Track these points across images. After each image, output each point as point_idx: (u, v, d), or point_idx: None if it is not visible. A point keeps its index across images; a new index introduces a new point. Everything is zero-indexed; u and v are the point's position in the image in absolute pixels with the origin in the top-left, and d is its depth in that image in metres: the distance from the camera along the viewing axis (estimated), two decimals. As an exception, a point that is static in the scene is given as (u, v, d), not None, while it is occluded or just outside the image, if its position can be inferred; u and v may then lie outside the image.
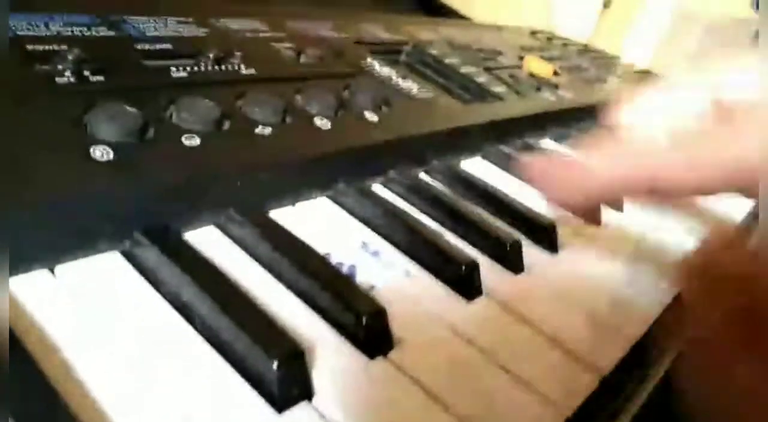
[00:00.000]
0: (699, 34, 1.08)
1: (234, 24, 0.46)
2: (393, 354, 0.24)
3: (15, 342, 0.19)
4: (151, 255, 0.25)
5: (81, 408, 0.18)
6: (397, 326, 0.26)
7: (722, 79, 0.26)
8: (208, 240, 0.27)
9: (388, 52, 0.54)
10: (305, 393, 0.21)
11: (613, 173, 0.24)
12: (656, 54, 1.07)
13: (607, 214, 0.43)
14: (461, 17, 0.93)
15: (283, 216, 0.31)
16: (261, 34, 0.46)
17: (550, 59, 0.73)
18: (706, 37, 1.08)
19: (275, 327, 0.22)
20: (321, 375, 0.22)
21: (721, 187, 0.23)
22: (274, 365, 0.20)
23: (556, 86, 0.63)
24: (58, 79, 0.30)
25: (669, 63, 1.01)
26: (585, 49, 0.90)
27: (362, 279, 0.29)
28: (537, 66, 0.67)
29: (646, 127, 0.26)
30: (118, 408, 0.19)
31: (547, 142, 0.55)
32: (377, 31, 0.59)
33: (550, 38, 0.89)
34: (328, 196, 0.34)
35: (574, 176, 0.24)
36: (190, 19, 0.43)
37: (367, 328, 0.24)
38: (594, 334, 0.30)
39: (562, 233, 0.37)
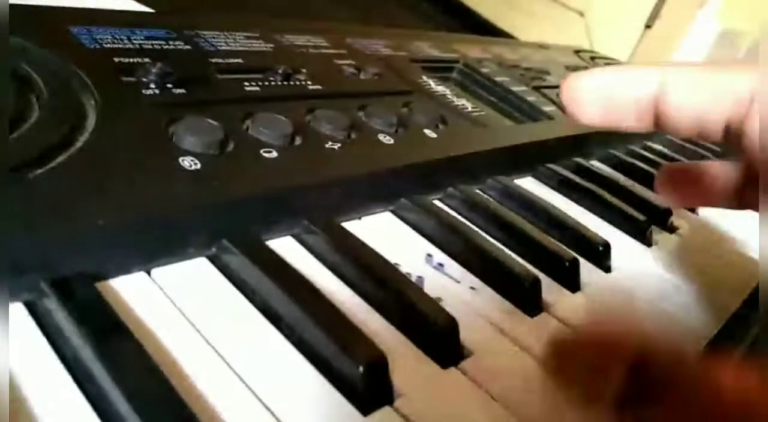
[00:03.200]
0: (743, 54, 1.08)
1: (297, 40, 0.47)
2: (464, 365, 0.25)
3: (122, 331, 0.21)
4: (236, 260, 0.26)
5: (183, 392, 0.20)
6: (464, 338, 0.27)
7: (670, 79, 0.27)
8: (285, 248, 0.29)
9: (441, 70, 0.56)
10: (387, 397, 0.22)
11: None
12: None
13: (661, 236, 0.44)
14: (505, 35, 0.94)
15: (351, 228, 0.32)
16: (322, 50, 0.48)
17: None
18: (749, 57, 1.08)
19: (359, 333, 0.23)
20: (398, 381, 0.23)
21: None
22: (361, 369, 0.22)
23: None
24: (144, 91, 0.32)
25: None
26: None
27: (429, 290, 0.30)
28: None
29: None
30: (215, 399, 0.20)
31: (595, 163, 0.55)
32: (429, 49, 0.60)
33: (594, 58, 0.90)
34: (391, 211, 0.35)
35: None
36: (257, 35, 0.45)
37: (440, 337, 0.25)
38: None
39: (615, 252, 0.38)
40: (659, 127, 0.27)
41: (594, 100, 0.28)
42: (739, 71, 0.25)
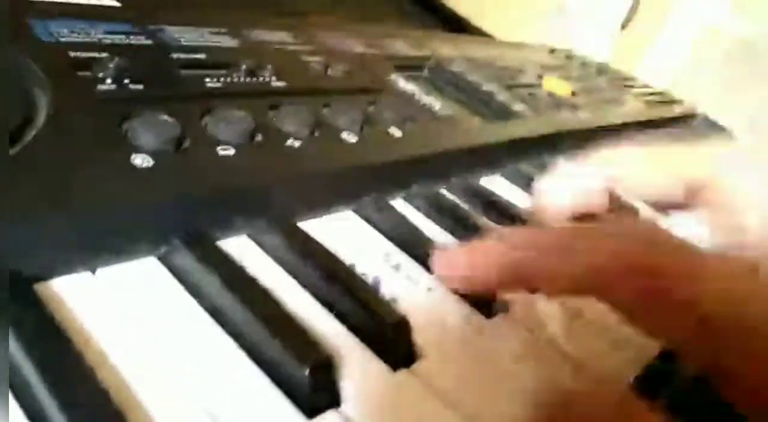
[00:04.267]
0: (720, 56, 1.09)
1: (265, 36, 0.47)
2: (415, 367, 0.25)
3: (60, 335, 0.20)
4: (186, 261, 0.26)
5: (118, 398, 0.19)
6: (419, 339, 0.27)
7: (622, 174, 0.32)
8: (240, 248, 0.28)
9: (412, 68, 0.56)
10: (333, 400, 0.22)
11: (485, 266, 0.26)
12: (676, 74, 1.08)
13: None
14: (482, 34, 0.94)
15: (311, 227, 0.32)
16: (291, 47, 0.47)
17: (568, 78, 0.74)
18: (727, 59, 1.09)
19: (306, 335, 0.23)
20: (347, 384, 0.23)
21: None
22: (306, 372, 0.21)
23: (574, 106, 0.64)
24: (99, 86, 0.31)
25: (691, 83, 1.01)
26: (603, 69, 0.91)
27: (385, 291, 0.29)
28: (556, 85, 0.68)
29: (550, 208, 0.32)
30: (153, 404, 0.20)
31: (563, 162, 0.56)
32: (401, 46, 0.60)
33: (569, 57, 0.90)
34: (353, 210, 0.35)
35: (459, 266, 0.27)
36: (223, 30, 0.45)
37: (392, 338, 0.25)
38: (612, 354, 0.31)
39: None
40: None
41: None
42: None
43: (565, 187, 0.32)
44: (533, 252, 0.24)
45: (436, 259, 0.28)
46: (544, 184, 0.33)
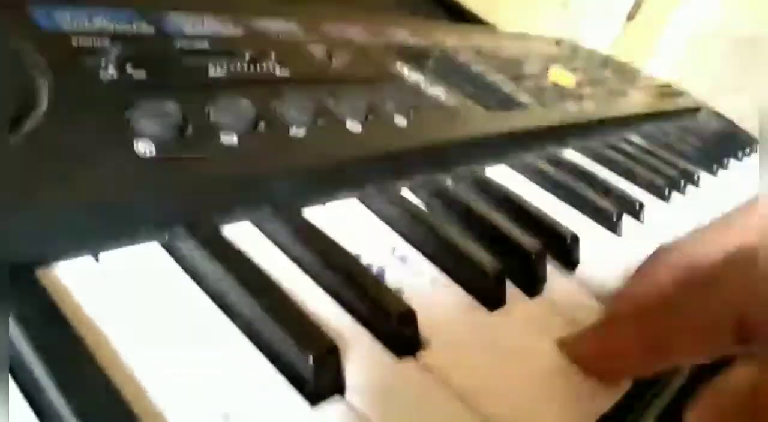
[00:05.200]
0: (725, 48, 1.08)
1: (269, 24, 0.46)
2: (420, 356, 0.25)
3: (61, 319, 0.20)
4: (190, 247, 0.25)
5: (122, 385, 0.19)
6: (423, 330, 0.26)
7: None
8: (243, 235, 0.28)
9: (417, 58, 0.55)
10: (337, 387, 0.22)
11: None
12: (680, 67, 1.07)
13: (632, 226, 0.43)
14: (487, 24, 0.93)
15: (314, 216, 0.31)
16: (295, 35, 0.47)
17: (573, 70, 0.74)
18: (733, 52, 1.08)
19: (311, 323, 0.23)
20: (351, 372, 0.23)
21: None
22: (310, 359, 0.21)
23: (579, 97, 0.64)
24: (101, 73, 0.31)
25: (693, 77, 1.01)
26: (608, 61, 0.91)
27: (390, 281, 0.29)
28: (561, 76, 0.67)
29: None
30: (156, 389, 0.20)
31: (570, 153, 0.55)
32: (406, 36, 0.60)
33: (574, 48, 0.89)
34: (357, 199, 0.35)
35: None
36: (227, 18, 0.44)
37: (397, 327, 0.25)
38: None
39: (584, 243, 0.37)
40: None
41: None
42: None
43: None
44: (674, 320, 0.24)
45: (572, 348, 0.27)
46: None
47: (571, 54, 0.85)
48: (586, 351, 0.27)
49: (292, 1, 0.54)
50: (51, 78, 0.29)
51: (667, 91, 0.89)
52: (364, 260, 0.30)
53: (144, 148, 0.27)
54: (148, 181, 0.25)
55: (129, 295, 0.23)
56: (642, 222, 0.46)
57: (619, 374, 0.27)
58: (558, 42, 0.88)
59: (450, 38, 0.65)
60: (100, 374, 0.19)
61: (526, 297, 0.32)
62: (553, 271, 0.35)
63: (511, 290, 0.32)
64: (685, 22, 1.11)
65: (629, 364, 0.26)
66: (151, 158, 0.26)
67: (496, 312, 0.30)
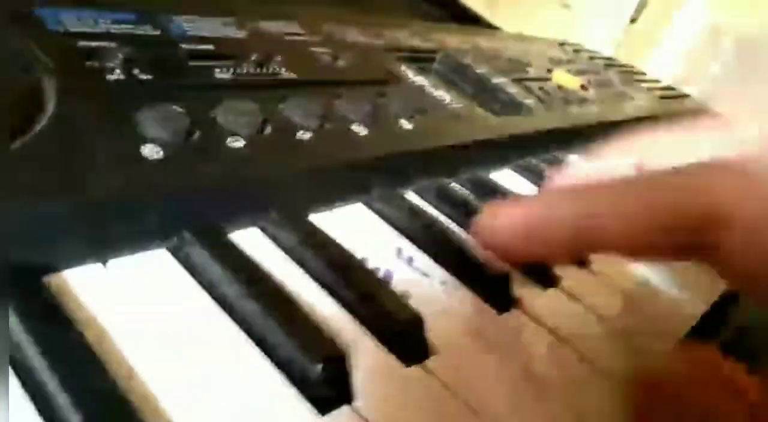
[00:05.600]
0: (729, 49, 1.08)
1: (273, 26, 0.46)
2: (428, 363, 0.25)
3: (68, 326, 0.20)
4: (197, 253, 0.25)
5: (130, 392, 0.19)
6: (431, 334, 0.26)
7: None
8: (250, 241, 0.28)
9: (421, 60, 0.55)
10: (346, 396, 0.22)
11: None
12: (684, 69, 1.07)
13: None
14: (489, 26, 0.93)
15: (321, 220, 0.31)
16: (299, 37, 0.47)
17: (577, 72, 0.73)
18: (735, 52, 1.08)
19: (319, 331, 0.23)
20: (359, 380, 0.23)
21: (662, 242, 0.19)
22: (318, 368, 0.21)
23: (583, 100, 0.63)
24: (108, 76, 0.31)
25: (697, 78, 1.01)
26: (611, 63, 0.90)
27: (398, 285, 0.29)
28: (565, 79, 0.67)
29: None
30: (164, 397, 0.20)
31: (574, 157, 0.55)
32: (409, 38, 0.60)
33: (577, 50, 0.89)
34: (363, 203, 0.35)
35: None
36: (231, 20, 0.44)
37: (404, 335, 0.25)
38: (621, 351, 0.30)
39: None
40: None
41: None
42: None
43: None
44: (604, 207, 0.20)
45: (482, 225, 0.22)
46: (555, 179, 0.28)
47: (574, 56, 0.85)
48: (509, 223, 0.21)
49: (293, 3, 0.54)
50: (58, 80, 0.29)
51: (670, 93, 0.89)
52: (371, 264, 0.30)
53: (151, 151, 0.27)
54: (156, 184, 0.25)
55: (137, 302, 0.23)
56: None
57: (538, 252, 0.23)
58: (561, 44, 0.88)
59: (454, 40, 0.65)
60: (108, 380, 0.19)
61: (538, 296, 0.32)
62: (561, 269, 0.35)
63: (523, 290, 0.32)
64: (688, 24, 1.11)
65: (557, 239, 0.21)
66: (158, 161, 0.26)
67: (506, 314, 0.30)
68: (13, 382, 0.18)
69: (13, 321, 0.19)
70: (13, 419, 0.18)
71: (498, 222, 0.22)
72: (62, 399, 0.18)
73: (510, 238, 0.21)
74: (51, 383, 0.18)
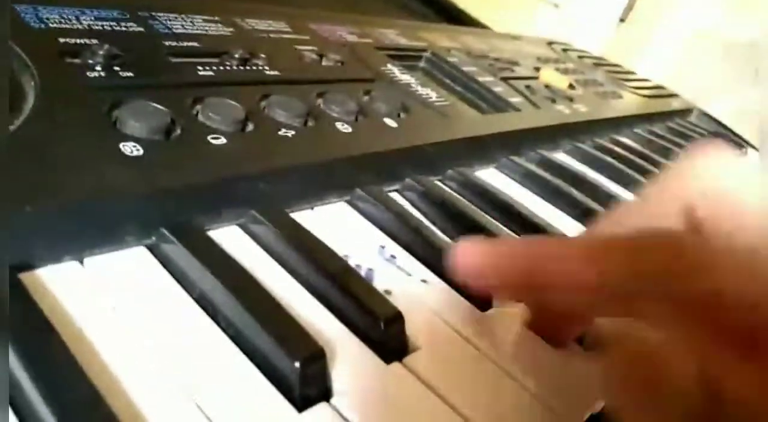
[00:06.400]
0: (718, 52, 1.08)
1: (258, 24, 0.46)
2: (408, 360, 0.25)
3: (47, 325, 0.20)
4: (176, 250, 0.25)
5: (107, 391, 0.19)
6: (411, 332, 0.26)
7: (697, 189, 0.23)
8: (230, 239, 0.28)
9: (407, 58, 0.55)
10: (324, 393, 0.22)
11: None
12: (673, 70, 1.08)
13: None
14: (479, 25, 0.93)
15: (302, 218, 0.31)
16: (284, 36, 0.47)
17: (565, 71, 0.74)
18: (725, 55, 1.08)
19: (298, 328, 0.23)
20: (338, 377, 0.23)
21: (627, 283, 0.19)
22: (296, 365, 0.21)
23: (571, 99, 0.64)
24: (88, 73, 0.31)
25: (686, 79, 1.01)
26: (600, 63, 0.91)
27: (379, 283, 0.29)
28: (553, 78, 0.67)
29: None
30: (142, 396, 0.20)
31: (561, 156, 0.55)
32: (396, 36, 0.60)
33: (566, 50, 0.89)
34: (346, 201, 0.35)
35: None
36: (216, 18, 0.44)
37: (385, 332, 0.25)
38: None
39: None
40: None
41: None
42: None
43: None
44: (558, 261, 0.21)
45: (460, 252, 0.24)
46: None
47: (562, 55, 0.86)
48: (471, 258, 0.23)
49: (279, 1, 0.54)
50: (37, 77, 0.28)
51: (658, 92, 0.89)
52: (353, 261, 0.30)
53: (131, 149, 0.26)
54: (135, 182, 0.25)
55: (114, 300, 0.23)
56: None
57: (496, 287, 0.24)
58: (550, 43, 0.88)
59: (441, 39, 0.65)
60: (83, 378, 0.19)
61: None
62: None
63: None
64: (677, 23, 1.11)
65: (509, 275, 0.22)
66: (138, 159, 0.26)
67: (487, 313, 0.30)
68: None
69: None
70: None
71: (460, 259, 0.23)
72: (36, 400, 0.18)
73: (469, 273, 0.23)
74: (25, 381, 0.18)
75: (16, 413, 0.18)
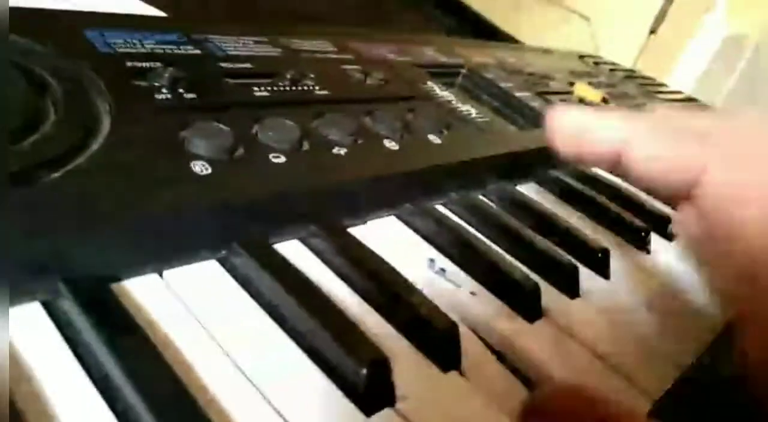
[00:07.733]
0: (748, 58, 1.08)
1: (304, 45, 0.48)
2: (463, 368, 0.26)
3: (136, 332, 0.22)
4: (245, 263, 0.27)
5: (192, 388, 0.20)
6: (463, 343, 0.27)
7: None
8: (293, 252, 0.29)
9: (445, 75, 0.57)
10: (389, 399, 0.23)
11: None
12: (704, 80, 1.08)
13: (660, 243, 0.44)
14: (510, 39, 0.94)
15: (356, 232, 0.33)
16: (330, 55, 0.48)
17: (598, 85, 0.74)
18: (755, 61, 1.08)
19: (362, 335, 0.24)
20: (400, 384, 0.24)
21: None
22: (363, 371, 0.22)
23: (605, 113, 0.64)
24: (156, 95, 0.33)
25: (717, 89, 1.01)
26: (631, 75, 0.91)
27: (430, 295, 0.30)
28: (586, 92, 0.68)
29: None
30: (222, 393, 0.21)
31: (598, 170, 0.56)
32: (433, 53, 0.61)
33: (598, 63, 0.90)
34: (395, 216, 0.36)
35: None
36: (265, 39, 0.46)
37: (441, 341, 0.26)
38: (646, 360, 0.31)
39: (614, 259, 0.38)
40: (625, 176, 0.28)
41: (570, 137, 0.29)
42: (695, 143, 0.25)
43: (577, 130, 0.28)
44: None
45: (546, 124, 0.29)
46: (558, 116, 0.29)
47: (595, 69, 0.86)
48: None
49: (311, 18, 0.56)
50: (111, 100, 0.30)
51: (691, 105, 0.90)
52: (406, 273, 0.31)
53: (200, 167, 0.28)
54: (206, 199, 0.27)
55: (191, 310, 0.24)
56: (670, 240, 0.47)
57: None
58: (582, 56, 0.89)
59: (477, 55, 0.66)
60: (171, 374, 0.20)
61: (565, 304, 0.33)
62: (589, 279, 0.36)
63: (551, 300, 0.33)
64: (708, 35, 1.12)
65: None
66: (207, 177, 0.28)
67: (536, 323, 0.31)
68: (88, 385, 0.20)
69: (85, 325, 0.21)
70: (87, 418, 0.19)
71: (555, 122, 0.28)
72: (129, 392, 0.19)
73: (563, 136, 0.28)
74: (123, 383, 0.20)
75: (112, 407, 0.20)
